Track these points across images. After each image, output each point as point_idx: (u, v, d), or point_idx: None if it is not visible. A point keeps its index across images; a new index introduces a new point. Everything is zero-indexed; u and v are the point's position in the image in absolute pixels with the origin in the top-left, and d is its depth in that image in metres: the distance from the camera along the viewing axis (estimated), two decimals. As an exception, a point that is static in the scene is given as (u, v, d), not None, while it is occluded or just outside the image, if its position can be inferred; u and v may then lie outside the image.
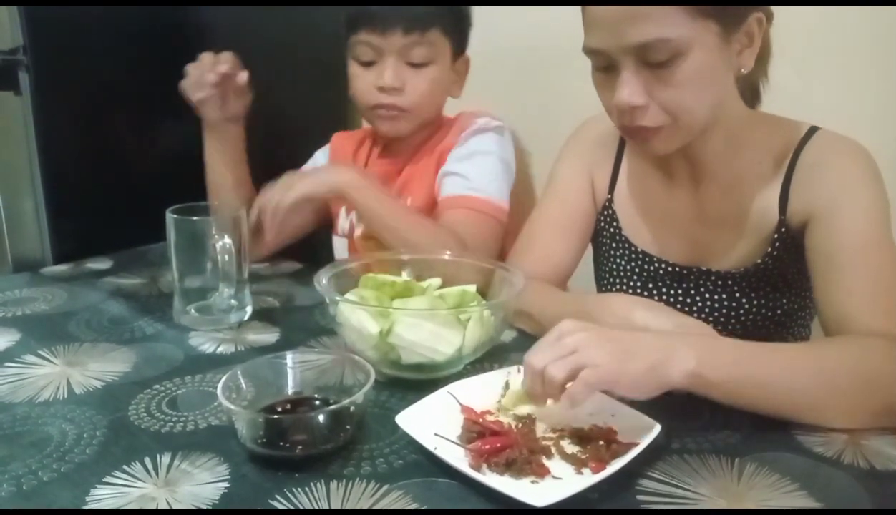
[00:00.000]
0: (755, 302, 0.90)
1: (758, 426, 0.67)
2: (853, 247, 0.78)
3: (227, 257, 0.88)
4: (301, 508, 0.56)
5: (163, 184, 1.09)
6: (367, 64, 1.11)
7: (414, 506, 0.56)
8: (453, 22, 1.13)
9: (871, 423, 0.67)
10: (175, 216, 0.89)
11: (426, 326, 0.75)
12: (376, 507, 0.56)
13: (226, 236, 0.88)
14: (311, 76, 1.50)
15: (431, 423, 0.64)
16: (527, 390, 0.66)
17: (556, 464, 0.61)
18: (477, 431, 0.63)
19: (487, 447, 0.61)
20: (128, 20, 1.28)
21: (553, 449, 0.63)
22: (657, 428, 0.62)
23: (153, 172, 1.33)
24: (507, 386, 0.71)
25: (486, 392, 0.71)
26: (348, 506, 0.56)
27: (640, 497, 0.58)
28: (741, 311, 0.90)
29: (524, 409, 0.68)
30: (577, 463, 0.60)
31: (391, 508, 0.56)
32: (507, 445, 0.61)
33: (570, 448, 0.63)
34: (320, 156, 1.29)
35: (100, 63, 1.26)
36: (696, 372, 0.63)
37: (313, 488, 0.58)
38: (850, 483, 0.60)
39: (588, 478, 0.57)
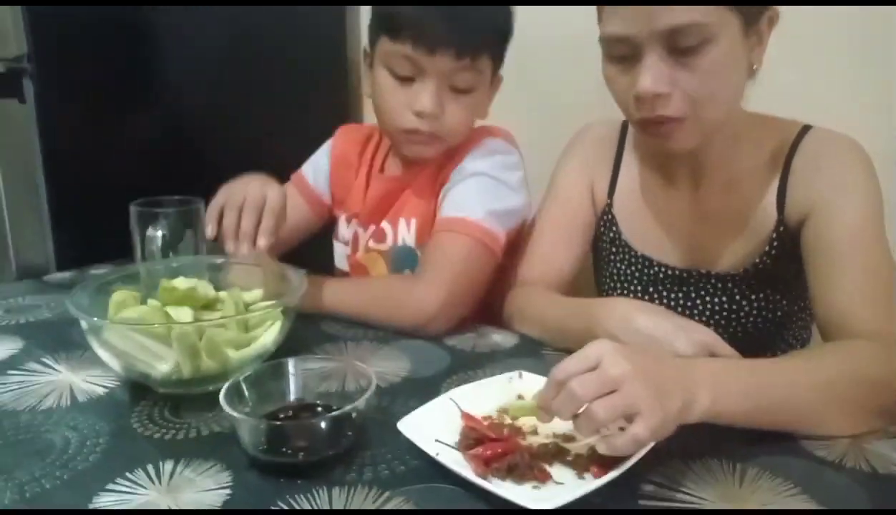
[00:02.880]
0: (755, 304, 0.90)
1: (760, 431, 0.67)
2: (848, 244, 0.78)
3: (154, 247, 0.91)
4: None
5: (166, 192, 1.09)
6: (403, 79, 0.98)
7: (416, 512, 0.56)
8: (501, 45, 1.03)
9: (869, 426, 0.67)
10: (139, 208, 0.91)
11: (136, 338, 0.71)
12: (378, 513, 0.56)
13: (150, 228, 0.91)
14: (312, 77, 1.50)
15: (433, 429, 0.64)
16: (545, 407, 0.60)
17: (557, 469, 0.61)
18: (478, 437, 0.63)
19: (489, 452, 0.61)
20: (132, 27, 1.29)
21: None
22: (659, 433, 0.62)
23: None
24: (519, 397, 0.70)
25: (488, 397, 0.71)
26: (350, 512, 0.56)
27: (642, 502, 0.58)
28: (741, 314, 0.90)
29: (527, 420, 0.66)
30: (579, 468, 0.60)
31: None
32: (509, 450, 0.61)
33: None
34: (322, 157, 1.23)
35: (104, 71, 1.26)
36: (711, 411, 0.61)
37: (316, 494, 0.58)
38: (852, 487, 0.60)
39: (590, 483, 0.57)
